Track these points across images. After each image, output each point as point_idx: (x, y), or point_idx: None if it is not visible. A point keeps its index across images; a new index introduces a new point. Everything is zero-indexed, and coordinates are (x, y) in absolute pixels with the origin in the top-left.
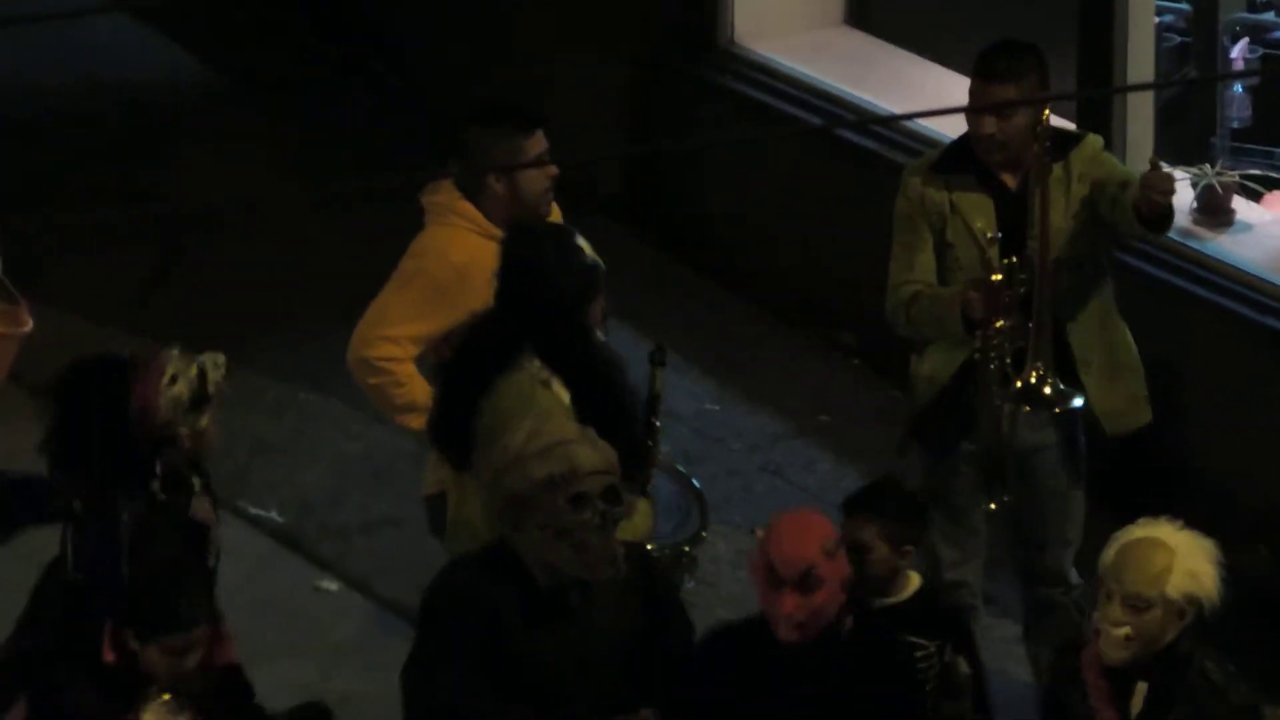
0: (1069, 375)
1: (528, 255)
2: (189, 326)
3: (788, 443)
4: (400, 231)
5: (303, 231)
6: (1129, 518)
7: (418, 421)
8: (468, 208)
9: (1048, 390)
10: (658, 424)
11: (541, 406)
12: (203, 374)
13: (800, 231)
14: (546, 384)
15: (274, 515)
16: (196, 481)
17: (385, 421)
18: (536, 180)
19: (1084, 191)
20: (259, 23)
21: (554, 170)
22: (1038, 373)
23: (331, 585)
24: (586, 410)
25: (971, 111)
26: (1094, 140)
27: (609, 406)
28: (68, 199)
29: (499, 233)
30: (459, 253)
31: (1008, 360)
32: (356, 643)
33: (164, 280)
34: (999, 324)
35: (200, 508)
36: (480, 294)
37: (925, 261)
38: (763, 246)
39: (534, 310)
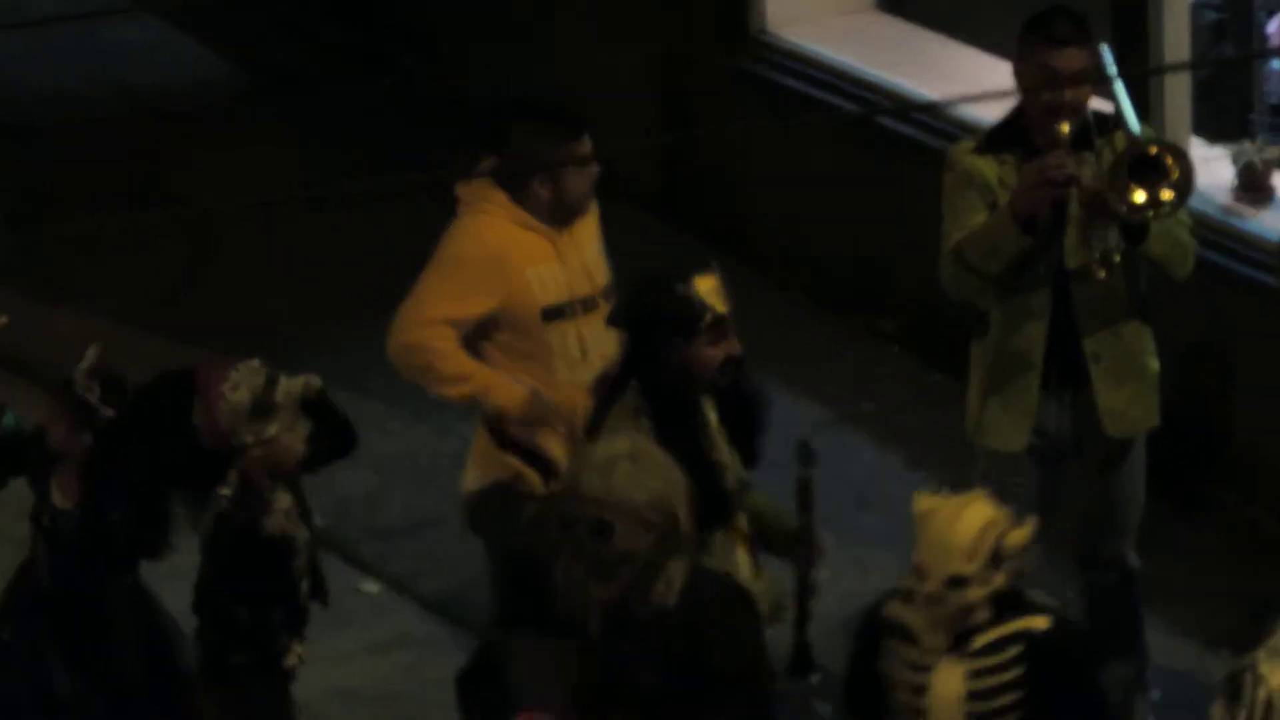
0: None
1: (632, 285)
2: (222, 326)
3: (830, 430)
4: (434, 227)
5: (335, 229)
6: (1177, 499)
7: (470, 387)
8: (501, 196)
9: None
10: (811, 523)
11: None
12: (271, 382)
13: (838, 218)
14: (636, 416)
15: (314, 518)
16: (285, 497)
17: (426, 420)
18: (581, 183)
19: None
20: (286, 18)
21: (596, 171)
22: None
23: (373, 587)
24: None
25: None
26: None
27: (680, 449)
28: (95, 201)
29: (533, 222)
30: (493, 238)
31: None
32: (399, 643)
33: (197, 281)
34: None
35: (274, 524)
36: (515, 280)
37: (976, 220)
38: (801, 233)
39: (629, 339)
